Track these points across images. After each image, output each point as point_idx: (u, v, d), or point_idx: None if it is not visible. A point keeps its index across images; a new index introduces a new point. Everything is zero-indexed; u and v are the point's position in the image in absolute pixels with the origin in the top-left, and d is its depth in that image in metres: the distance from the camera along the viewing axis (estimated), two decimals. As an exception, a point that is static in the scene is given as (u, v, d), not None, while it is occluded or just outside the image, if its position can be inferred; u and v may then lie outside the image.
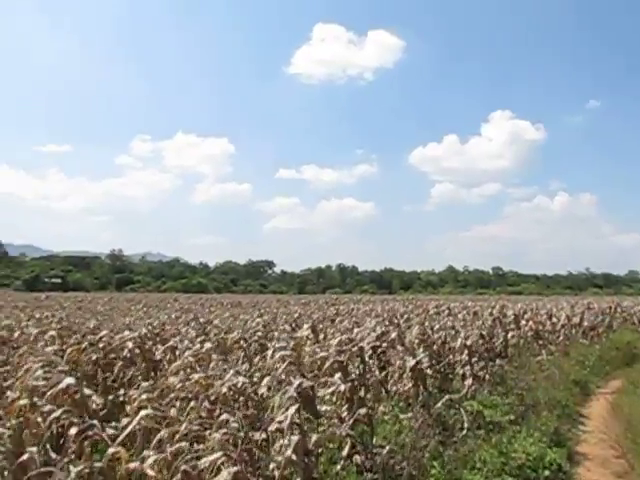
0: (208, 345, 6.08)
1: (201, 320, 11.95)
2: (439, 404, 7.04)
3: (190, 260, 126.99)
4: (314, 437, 4.74)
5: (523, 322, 14.92)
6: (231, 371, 4.89)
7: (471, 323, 12.84)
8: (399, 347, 8.26)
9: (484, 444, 6.02)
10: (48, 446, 4.69)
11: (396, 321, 11.95)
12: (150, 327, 8.48)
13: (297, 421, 4.20)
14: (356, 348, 6.72)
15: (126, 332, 7.03)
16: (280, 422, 4.24)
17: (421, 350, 8.53)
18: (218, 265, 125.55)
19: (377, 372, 6.88)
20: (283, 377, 5.54)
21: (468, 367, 9.02)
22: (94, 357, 5.87)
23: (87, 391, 5.66)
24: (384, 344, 8.11)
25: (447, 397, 7.04)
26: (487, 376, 9.59)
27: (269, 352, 6.44)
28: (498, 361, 11.64)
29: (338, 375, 5.72)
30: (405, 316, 13.58)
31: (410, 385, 7.08)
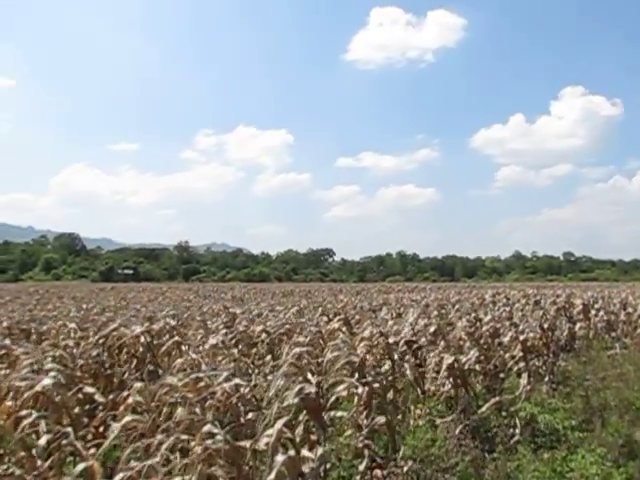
0: (213, 341, 5.55)
1: (234, 311, 11.53)
2: (484, 408, 6.14)
3: (253, 250, 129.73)
4: (320, 450, 4.08)
5: (593, 312, 13.40)
6: (225, 372, 4.29)
7: (531, 313, 11.62)
8: (441, 342, 7.38)
9: (534, 460, 5.08)
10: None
11: (444, 311, 10.98)
12: (172, 319, 8.12)
13: (289, 436, 3.54)
14: (383, 343, 5.96)
15: (138, 326, 6.65)
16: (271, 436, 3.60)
17: (467, 345, 7.61)
18: (279, 254, 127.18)
19: (409, 371, 6.07)
20: (300, 379, 4.91)
21: (523, 364, 7.97)
22: (94, 353, 5.49)
23: (90, 389, 5.33)
24: (423, 339, 7.27)
25: (494, 400, 6.11)
26: (547, 374, 8.48)
27: (286, 348, 5.83)
28: (562, 356, 10.44)
29: (357, 376, 4.99)
30: (456, 306, 12.53)
31: (448, 386, 6.22)
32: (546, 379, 8.32)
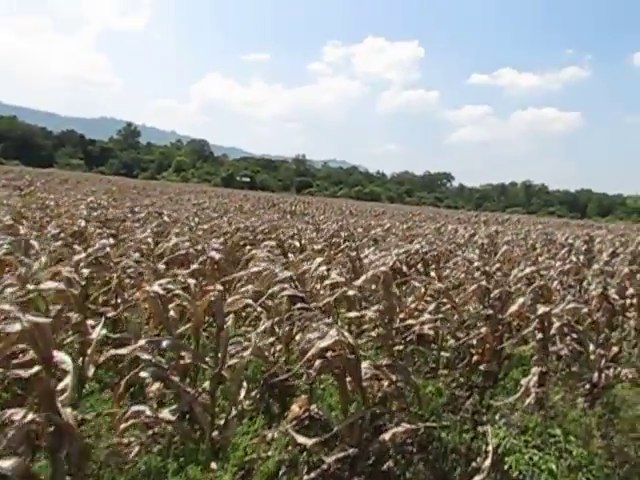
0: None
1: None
2: (386, 436, 3.29)
3: (370, 168, 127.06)
4: None
5: None
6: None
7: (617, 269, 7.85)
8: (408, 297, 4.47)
9: None
10: None
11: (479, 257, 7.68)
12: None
13: None
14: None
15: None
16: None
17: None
18: (394, 175, 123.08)
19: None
20: None
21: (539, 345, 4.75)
22: None
23: None
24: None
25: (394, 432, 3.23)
26: (588, 376, 5.15)
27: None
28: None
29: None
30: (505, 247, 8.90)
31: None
32: (586, 386, 5.00)
